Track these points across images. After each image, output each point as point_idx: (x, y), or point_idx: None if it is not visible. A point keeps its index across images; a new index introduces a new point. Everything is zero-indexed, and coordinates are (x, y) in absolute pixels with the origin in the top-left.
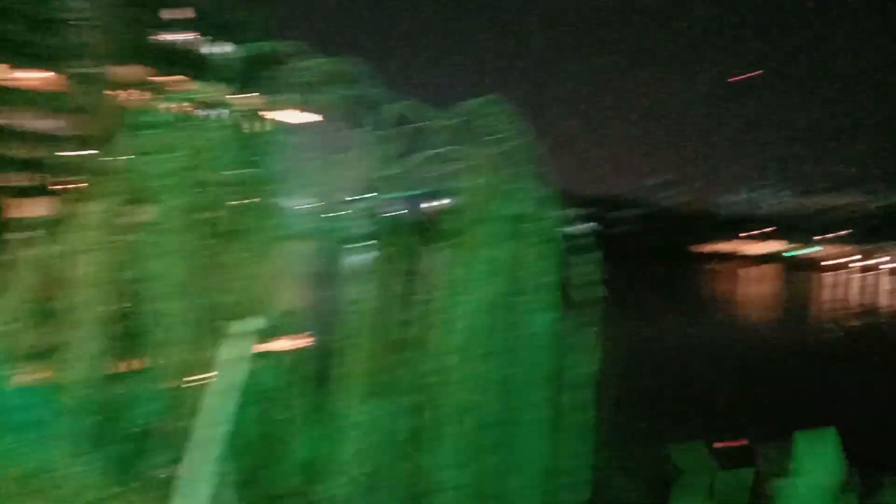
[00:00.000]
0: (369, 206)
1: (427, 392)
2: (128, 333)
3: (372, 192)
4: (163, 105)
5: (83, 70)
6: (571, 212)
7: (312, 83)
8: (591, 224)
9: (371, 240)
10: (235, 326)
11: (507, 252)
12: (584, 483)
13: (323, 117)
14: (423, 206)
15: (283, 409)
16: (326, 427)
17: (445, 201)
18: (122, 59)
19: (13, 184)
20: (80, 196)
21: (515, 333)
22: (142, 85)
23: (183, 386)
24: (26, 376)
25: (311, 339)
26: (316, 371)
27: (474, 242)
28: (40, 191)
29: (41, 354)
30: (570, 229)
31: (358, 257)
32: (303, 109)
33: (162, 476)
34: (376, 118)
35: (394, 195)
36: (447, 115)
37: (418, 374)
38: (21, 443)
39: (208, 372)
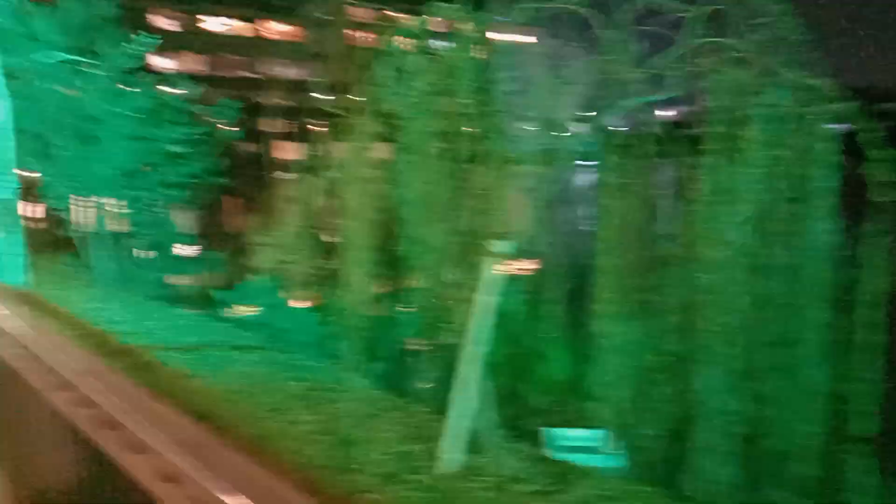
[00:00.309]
0: (612, 117)
1: (690, 312)
2: (392, 258)
3: (616, 101)
4: (399, 39)
5: (320, 16)
6: (849, 106)
7: None
8: (872, 119)
9: (620, 152)
10: (491, 247)
11: (776, 155)
12: (872, 414)
13: (558, 27)
14: (675, 110)
15: (536, 329)
16: (582, 347)
17: (701, 102)
18: (354, 1)
19: (275, 130)
20: (337, 135)
21: (789, 246)
22: (375, 23)
23: (444, 306)
24: (303, 300)
25: (560, 260)
26: (567, 291)
27: (737, 146)
28: (300, 134)
29: (315, 280)
30: (847, 126)
31: (604, 173)
32: (537, 21)
33: (429, 391)
34: (619, 15)
35: (640, 101)
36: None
37: (679, 293)
38: (301, 360)
39: (467, 292)
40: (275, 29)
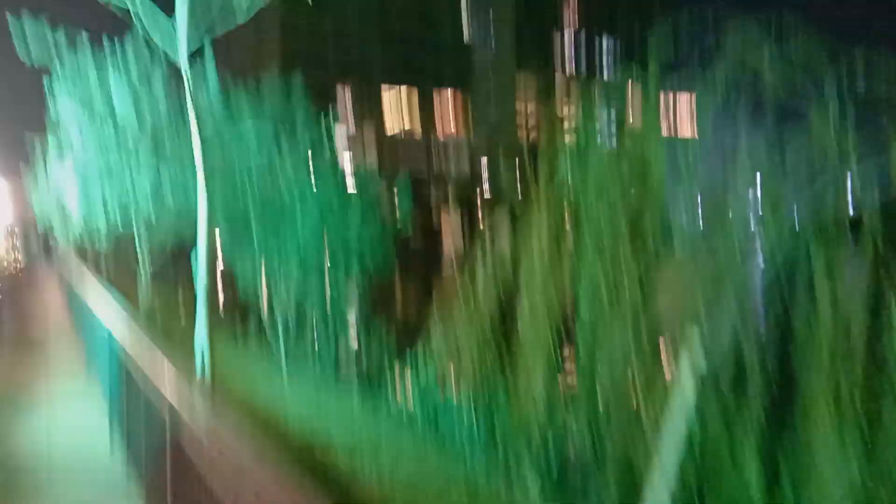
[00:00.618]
0: (819, 199)
1: None
2: (568, 354)
3: (825, 181)
4: (575, 121)
5: (488, 90)
6: None
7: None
8: None
9: (830, 241)
10: (682, 342)
11: None
12: None
13: (751, 98)
14: None
15: (731, 439)
16: (784, 462)
17: None
18: (523, 70)
19: (448, 217)
20: (511, 224)
21: None
22: (547, 102)
23: (628, 409)
24: (471, 395)
25: (757, 360)
26: (766, 396)
27: None
28: (473, 223)
29: (484, 375)
30: None
31: (811, 264)
32: (726, 94)
33: None
34: (820, 82)
35: (854, 180)
36: None
37: None
38: (464, 459)
39: (654, 396)
40: (440, 100)
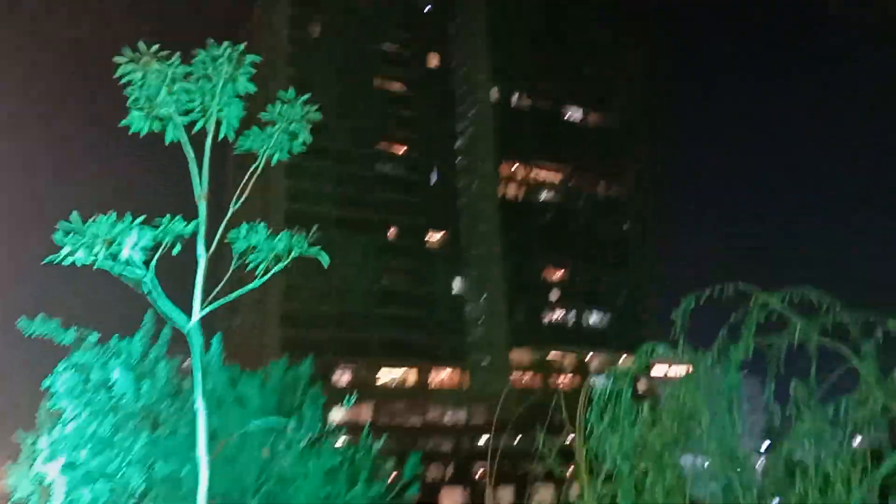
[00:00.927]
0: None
1: None
2: None
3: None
4: (604, 381)
5: (483, 362)
6: None
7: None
8: None
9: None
10: None
11: None
12: None
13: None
14: None
15: None
16: None
17: None
18: (517, 345)
19: (450, 476)
20: (525, 480)
21: None
22: (541, 364)
23: None
24: None
25: None
26: None
27: None
28: (470, 479)
29: None
30: None
31: None
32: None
33: None
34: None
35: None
36: None
37: None
38: None
39: None
40: (438, 376)
